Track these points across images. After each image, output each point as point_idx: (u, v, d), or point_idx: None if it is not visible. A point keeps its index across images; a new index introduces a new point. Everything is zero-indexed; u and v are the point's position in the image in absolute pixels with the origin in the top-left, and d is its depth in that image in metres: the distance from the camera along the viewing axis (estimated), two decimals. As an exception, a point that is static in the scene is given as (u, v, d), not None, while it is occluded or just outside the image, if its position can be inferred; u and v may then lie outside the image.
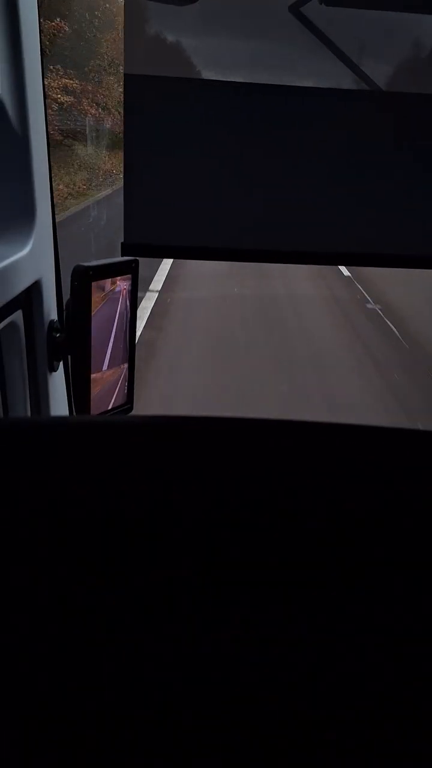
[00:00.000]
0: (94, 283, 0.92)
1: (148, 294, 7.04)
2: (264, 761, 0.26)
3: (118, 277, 0.97)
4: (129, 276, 0.99)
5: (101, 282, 0.94)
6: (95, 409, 1.00)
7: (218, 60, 0.85)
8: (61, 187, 11.28)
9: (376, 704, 0.27)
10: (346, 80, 0.86)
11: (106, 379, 1.02)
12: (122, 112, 0.86)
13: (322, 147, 0.86)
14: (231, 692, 0.27)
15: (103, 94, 14.55)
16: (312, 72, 0.86)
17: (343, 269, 8.58)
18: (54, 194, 1.00)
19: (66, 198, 11.36)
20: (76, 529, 0.31)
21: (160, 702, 0.27)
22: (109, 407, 1.05)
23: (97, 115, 14.30)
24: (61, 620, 0.29)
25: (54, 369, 1.04)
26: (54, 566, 0.30)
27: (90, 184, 12.68)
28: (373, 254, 0.90)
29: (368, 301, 7.46)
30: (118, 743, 0.26)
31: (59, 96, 13.32)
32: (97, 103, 14.42)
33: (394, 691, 0.28)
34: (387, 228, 0.89)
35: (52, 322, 1.01)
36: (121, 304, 1.00)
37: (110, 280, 0.95)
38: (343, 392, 5.04)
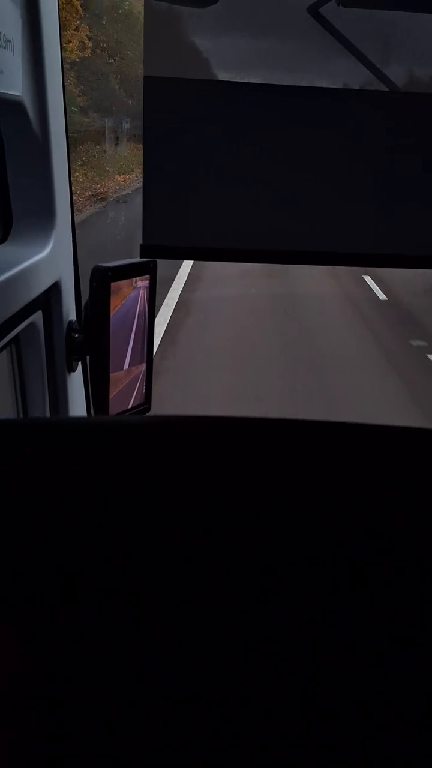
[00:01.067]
0: (113, 284, 0.93)
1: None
2: (262, 755, 0.26)
3: (137, 278, 0.97)
4: (147, 277, 0.99)
5: (120, 283, 0.94)
6: (113, 409, 1.01)
7: (237, 61, 0.85)
8: None
9: (376, 695, 0.28)
10: (363, 81, 0.86)
11: (124, 380, 1.03)
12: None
13: (341, 147, 0.85)
14: (231, 684, 0.28)
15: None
16: (330, 73, 0.86)
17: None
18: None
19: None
20: (91, 526, 0.31)
21: (160, 688, 0.28)
22: (128, 407, 1.05)
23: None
24: (70, 613, 0.29)
25: (73, 369, 1.04)
26: (68, 562, 0.30)
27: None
28: (397, 255, 0.89)
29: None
30: (118, 725, 0.27)
31: None
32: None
33: (394, 683, 0.28)
34: (414, 229, 0.89)
35: (71, 322, 1.02)
36: (140, 305, 1.00)
37: (129, 281, 0.96)
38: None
